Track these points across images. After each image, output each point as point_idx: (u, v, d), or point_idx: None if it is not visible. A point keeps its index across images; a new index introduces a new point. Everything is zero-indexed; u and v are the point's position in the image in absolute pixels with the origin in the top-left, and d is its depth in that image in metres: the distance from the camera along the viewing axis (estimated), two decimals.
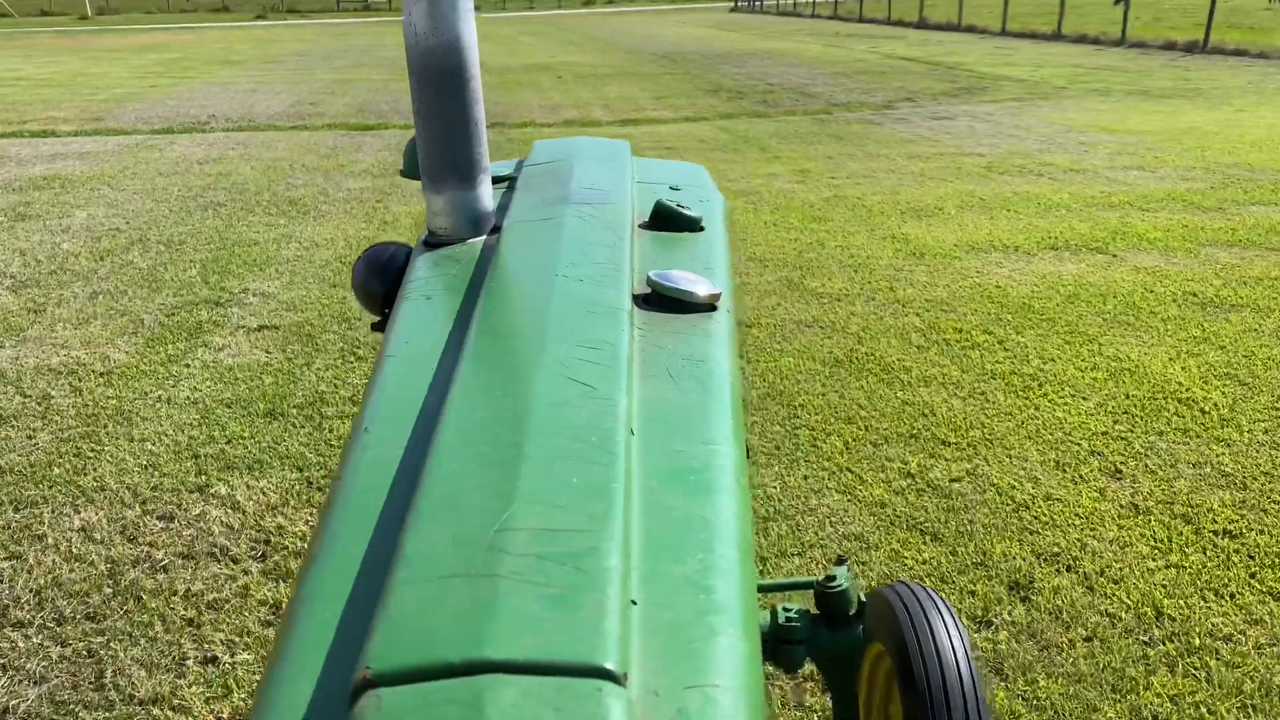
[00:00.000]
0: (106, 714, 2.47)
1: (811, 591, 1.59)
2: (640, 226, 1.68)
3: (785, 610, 1.54)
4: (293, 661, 0.79)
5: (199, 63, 23.18)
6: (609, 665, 0.72)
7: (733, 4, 53.77)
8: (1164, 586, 2.96)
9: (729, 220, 2.01)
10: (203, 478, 3.60)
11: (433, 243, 1.61)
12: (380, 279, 1.72)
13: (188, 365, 4.63)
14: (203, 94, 16.32)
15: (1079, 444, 3.79)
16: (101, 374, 4.52)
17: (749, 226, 7.14)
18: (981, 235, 6.83)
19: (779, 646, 1.52)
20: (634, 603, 0.81)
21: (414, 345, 1.29)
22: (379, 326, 1.70)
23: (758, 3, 52.61)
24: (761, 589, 1.66)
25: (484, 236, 1.61)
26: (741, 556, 0.92)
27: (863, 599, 1.54)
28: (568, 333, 1.22)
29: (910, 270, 6.03)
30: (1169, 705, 2.50)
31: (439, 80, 1.47)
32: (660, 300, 1.36)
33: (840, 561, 1.57)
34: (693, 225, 1.70)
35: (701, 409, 1.13)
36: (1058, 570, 3.03)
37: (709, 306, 1.37)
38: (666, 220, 1.69)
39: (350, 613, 0.83)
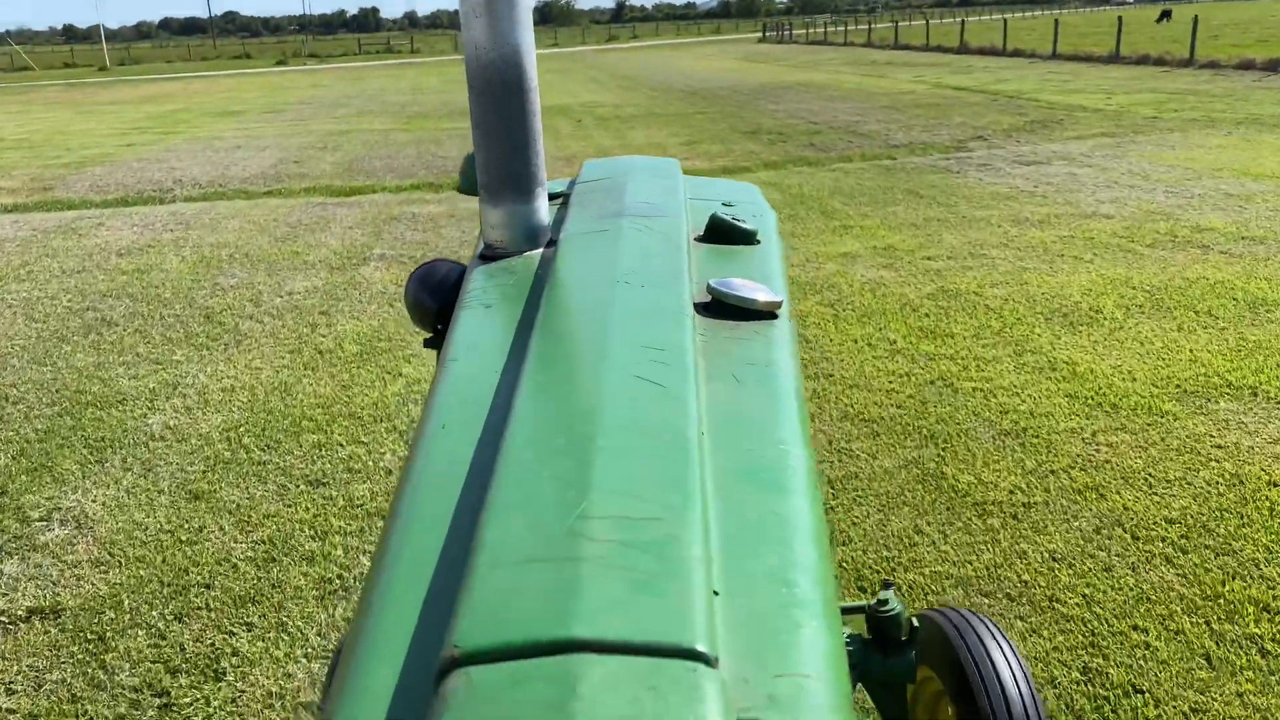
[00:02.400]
0: None
1: (863, 616, 1.54)
2: (696, 240, 1.64)
3: None
4: (374, 643, 0.76)
5: (195, 115, 21.36)
6: (700, 647, 0.69)
7: (760, 34, 51.77)
8: None
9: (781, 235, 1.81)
10: None
11: (489, 256, 1.56)
12: (433, 294, 1.68)
13: None
14: (180, 153, 14.37)
15: None
16: None
17: (828, 347, 4.91)
18: (1182, 362, 4.55)
19: None
20: (716, 593, 0.77)
21: (476, 350, 1.27)
22: (431, 343, 1.71)
23: (786, 32, 50.56)
24: None
25: (540, 249, 1.56)
26: (820, 556, 0.87)
27: (915, 624, 1.46)
28: (632, 336, 1.19)
29: (1109, 441, 3.77)
30: None
31: (499, 95, 1.43)
32: (720, 308, 1.33)
33: (887, 585, 1.49)
34: (748, 238, 1.65)
35: (770, 411, 1.10)
36: None
37: (769, 314, 1.33)
38: (722, 234, 1.65)
39: (430, 597, 0.79)
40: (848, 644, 1.44)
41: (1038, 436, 3.84)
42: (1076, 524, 3.21)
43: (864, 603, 1.53)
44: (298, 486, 3.65)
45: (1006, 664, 1.43)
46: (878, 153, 11.82)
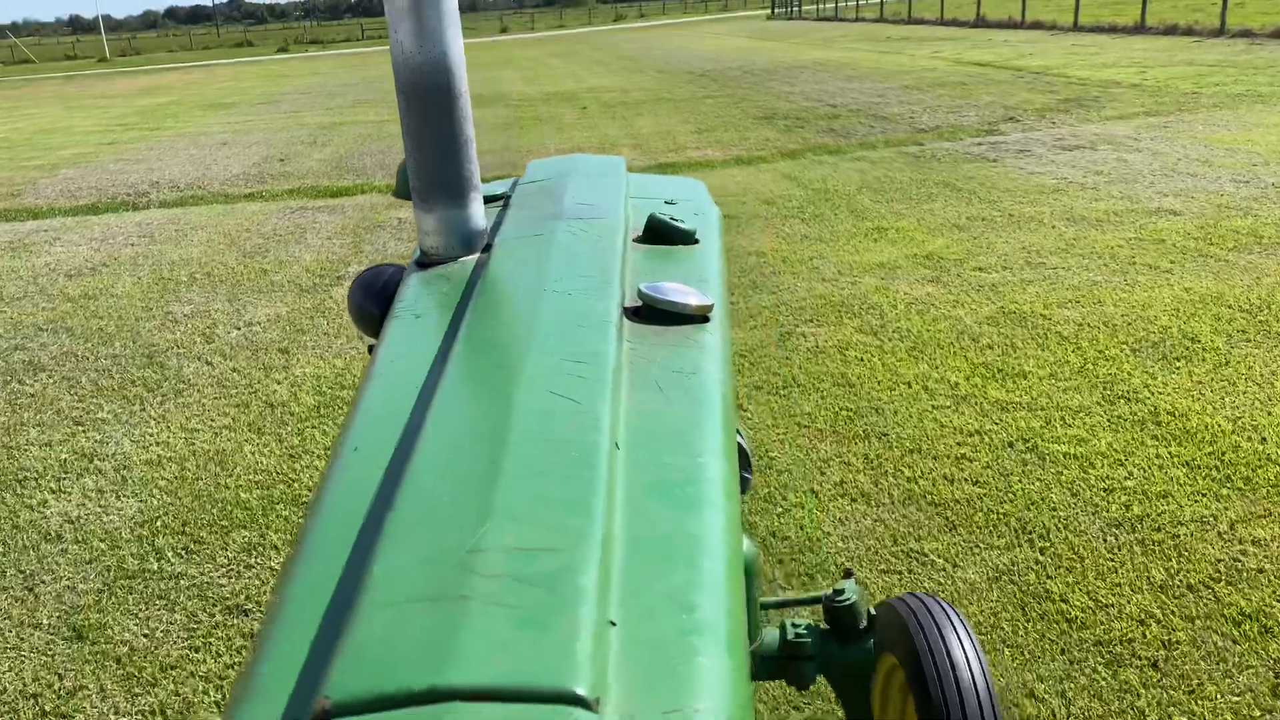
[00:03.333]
0: None
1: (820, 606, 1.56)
2: (635, 241, 1.60)
3: (794, 626, 1.52)
4: (259, 687, 0.72)
5: (188, 108, 20.51)
6: (579, 690, 0.65)
7: (769, 12, 50.48)
8: None
9: (723, 233, 1.78)
10: None
11: (424, 263, 1.52)
12: (376, 301, 1.63)
13: None
14: (163, 151, 13.55)
15: None
16: None
17: (876, 393, 4.06)
18: None
19: (789, 663, 1.49)
20: (613, 623, 0.73)
21: (400, 363, 1.23)
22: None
23: (795, 9, 49.25)
24: (766, 606, 1.60)
25: (476, 255, 1.52)
26: (729, 571, 0.84)
27: (872, 612, 1.44)
28: (553, 346, 1.16)
29: (1253, 536, 2.89)
30: None
31: (427, 99, 1.40)
32: (651, 313, 1.29)
33: (847, 574, 1.48)
34: (686, 238, 1.62)
35: (691, 421, 1.06)
36: None
37: (701, 318, 1.30)
38: (660, 234, 1.61)
39: (320, 637, 0.75)
40: (804, 635, 1.43)
41: (1159, 529, 2.99)
42: (1243, 679, 2.36)
43: (821, 593, 1.46)
44: (214, 617, 2.83)
45: (960, 646, 1.39)
46: (903, 138, 10.90)
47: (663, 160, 10.61)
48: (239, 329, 5.45)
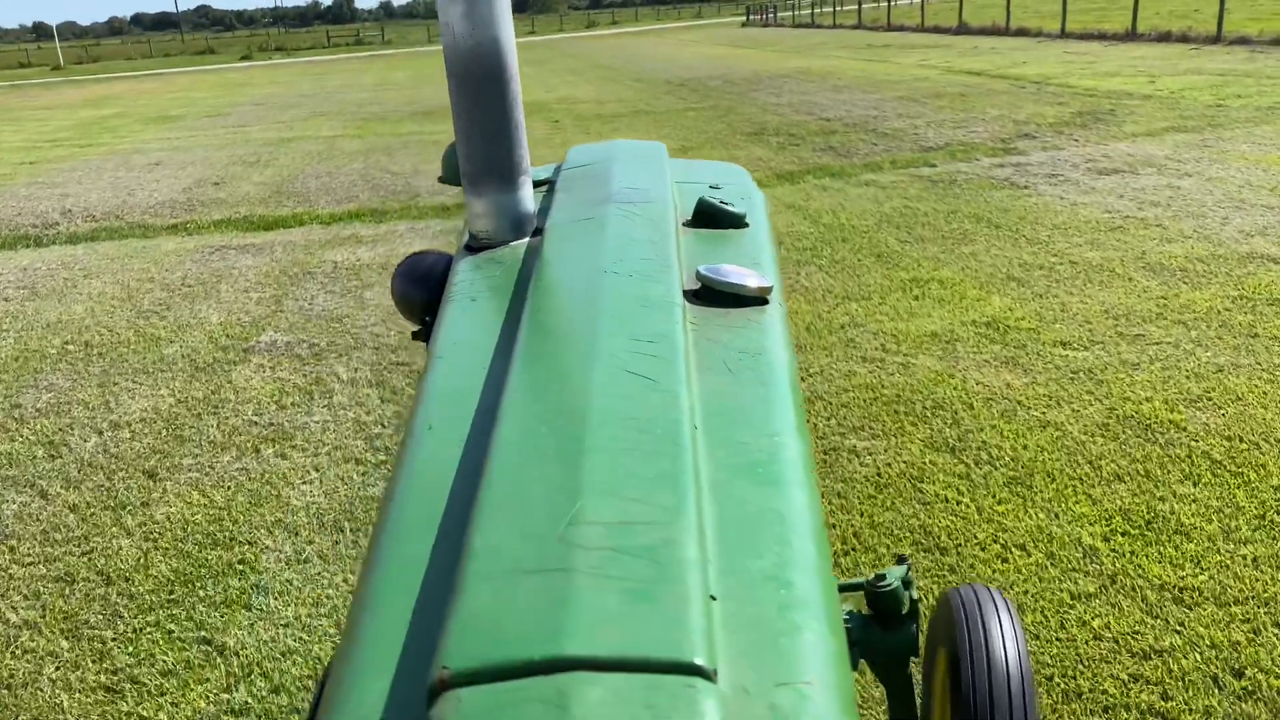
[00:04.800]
0: None
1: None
2: (684, 225, 1.57)
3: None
4: (362, 662, 0.73)
5: (130, 121, 18.98)
6: (698, 661, 0.65)
7: (744, 18, 49.26)
8: None
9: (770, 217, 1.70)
10: None
11: (474, 247, 1.52)
12: (420, 287, 1.64)
13: None
14: (87, 172, 12.09)
15: None
16: None
17: (971, 554, 2.76)
18: None
19: None
20: (713, 598, 0.73)
21: (463, 345, 1.22)
22: (420, 335, 1.68)
23: (771, 15, 48.12)
24: None
25: (526, 239, 1.52)
26: (819, 551, 0.84)
27: (914, 598, 1.41)
28: (621, 327, 1.13)
29: None
30: None
31: (478, 82, 1.38)
32: (710, 295, 1.27)
33: (901, 561, 1.43)
34: (736, 221, 1.58)
35: (763, 401, 1.05)
36: None
37: (760, 300, 1.28)
38: (710, 217, 1.59)
39: (419, 610, 0.76)
40: (847, 621, 1.39)
41: None
42: None
43: (863, 579, 1.43)
44: None
45: (1002, 641, 1.33)
46: (911, 157, 9.67)
47: None
48: (100, 434, 4.09)
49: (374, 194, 9.58)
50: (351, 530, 3.22)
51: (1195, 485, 3.15)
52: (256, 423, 4.11)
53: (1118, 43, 22.39)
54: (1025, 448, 3.45)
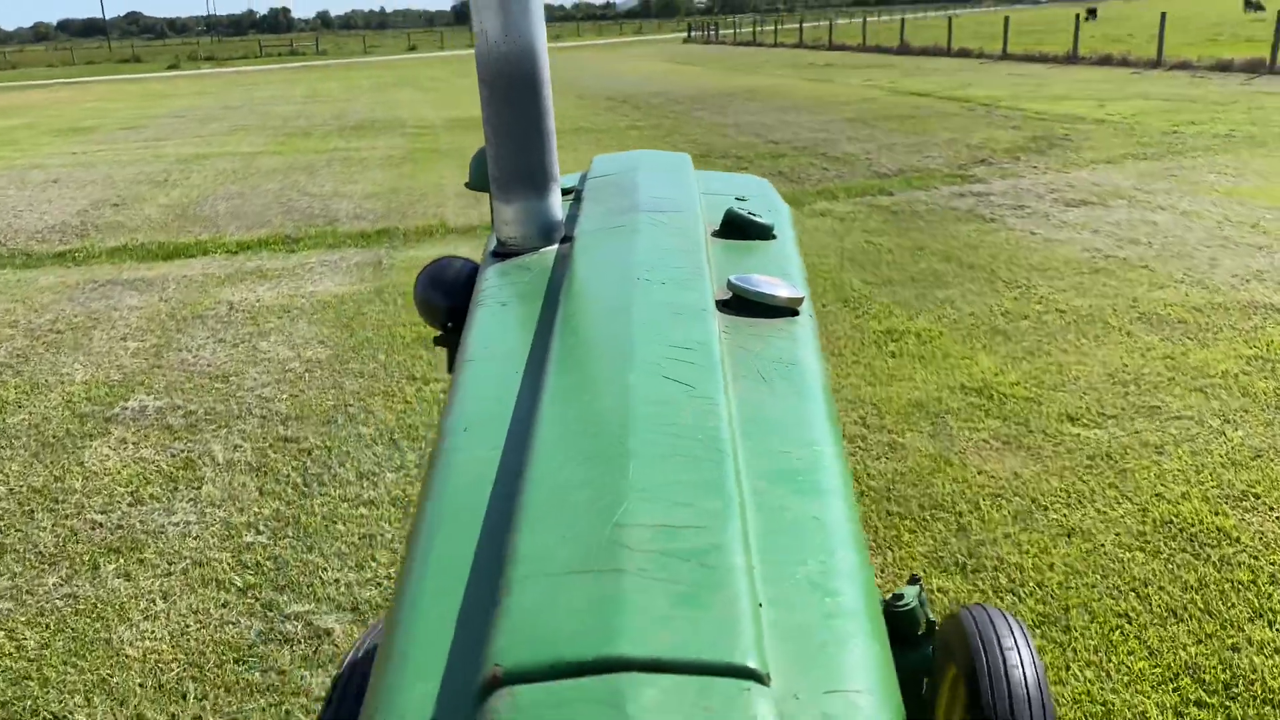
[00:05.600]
0: None
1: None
2: (712, 235, 1.55)
3: None
4: (408, 660, 0.72)
5: (37, 133, 17.75)
6: (752, 664, 0.65)
7: (685, 34, 48.83)
8: None
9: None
10: None
11: (501, 253, 1.49)
12: (443, 292, 1.65)
13: None
14: None
15: None
16: None
17: None
18: None
19: None
20: (759, 604, 0.73)
21: (494, 349, 1.21)
22: (441, 340, 1.70)
23: (712, 32, 47.75)
24: None
25: (555, 245, 1.49)
26: (861, 561, 0.83)
27: (931, 619, 1.40)
28: (656, 334, 1.13)
29: None
30: None
31: (510, 88, 1.37)
32: (741, 304, 1.26)
33: (913, 581, 1.41)
34: (764, 233, 1.57)
35: (798, 411, 1.04)
36: None
37: (791, 310, 1.27)
38: (738, 228, 1.57)
39: (465, 609, 0.75)
40: None
41: None
42: None
43: (880, 598, 1.31)
44: None
45: (1019, 662, 1.37)
46: (866, 184, 9.11)
47: None
48: None
49: (288, 218, 8.74)
50: (197, 697, 2.44)
51: (1271, 625, 2.51)
52: (101, 525, 3.30)
53: (1059, 65, 22.31)
54: (1052, 567, 2.80)
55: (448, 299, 1.63)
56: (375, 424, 4.00)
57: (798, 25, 38.71)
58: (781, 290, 1.26)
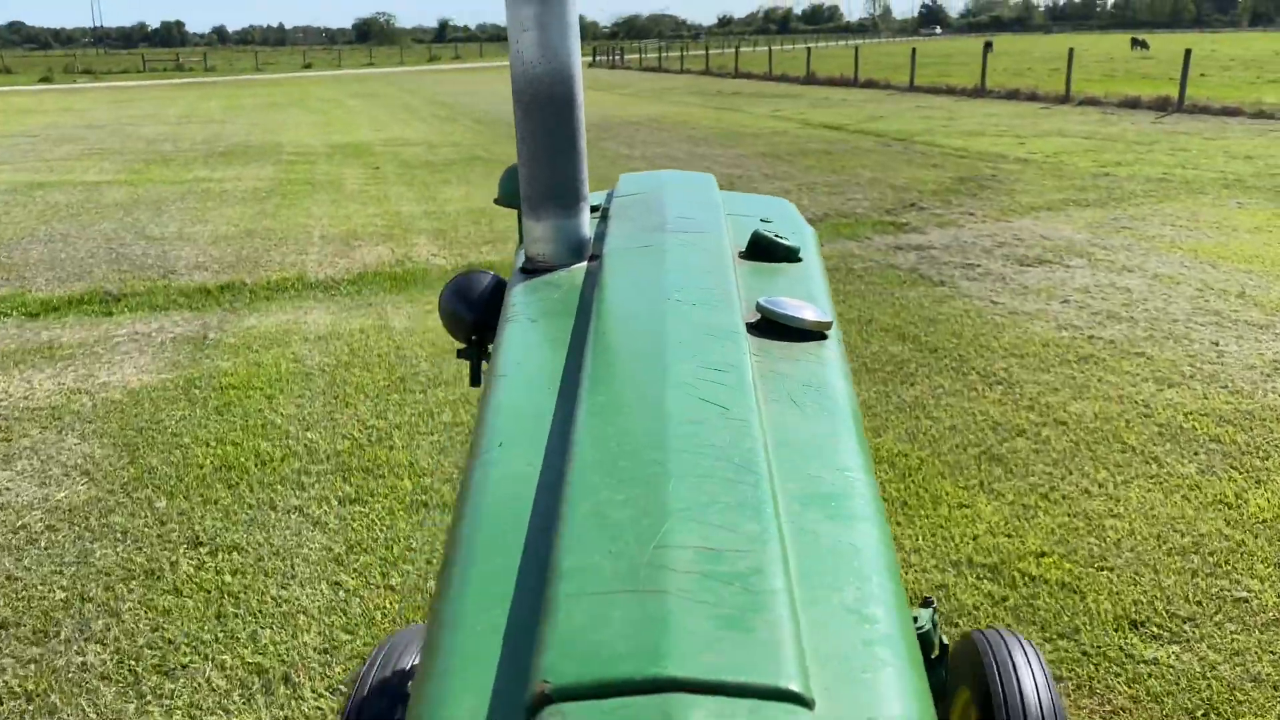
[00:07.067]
0: None
1: None
2: (739, 256, 1.53)
3: None
4: (455, 674, 0.71)
5: None
6: (796, 688, 0.64)
7: (590, 59, 47.83)
8: None
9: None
10: None
11: (530, 270, 1.48)
12: (470, 306, 1.65)
13: None
14: None
15: None
16: None
17: None
18: None
19: None
20: (800, 629, 0.72)
21: (526, 365, 1.20)
22: (465, 354, 1.69)
23: (618, 57, 46.80)
24: None
25: (583, 263, 1.48)
26: (896, 588, 0.81)
27: (944, 642, 1.40)
28: (690, 355, 1.11)
29: None
30: None
31: (545, 108, 1.39)
32: (769, 326, 1.24)
33: (926, 603, 1.40)
34: (790, 255, 1.53)
35: (830, 435, 1.02)
36: None
37: (819, 334, 1.25)
38: (764, 250, 1.53)
39: (510, 626, 0.74)
40: None
41: None
42: None
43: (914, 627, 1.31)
44: None
45: (1033, 684, 1.35)
46: None
47: (478, 260, 7.30)
48: None
49: (114, 269, 7.21)
50: None
51: None
52: None
53: (967, 98, 21.89)
54: None
55: (473, 312, 1.63)
56: (112, 641, 2.62)
57: (704, 52, 38.00)
58: (809, 314, 1.23)
